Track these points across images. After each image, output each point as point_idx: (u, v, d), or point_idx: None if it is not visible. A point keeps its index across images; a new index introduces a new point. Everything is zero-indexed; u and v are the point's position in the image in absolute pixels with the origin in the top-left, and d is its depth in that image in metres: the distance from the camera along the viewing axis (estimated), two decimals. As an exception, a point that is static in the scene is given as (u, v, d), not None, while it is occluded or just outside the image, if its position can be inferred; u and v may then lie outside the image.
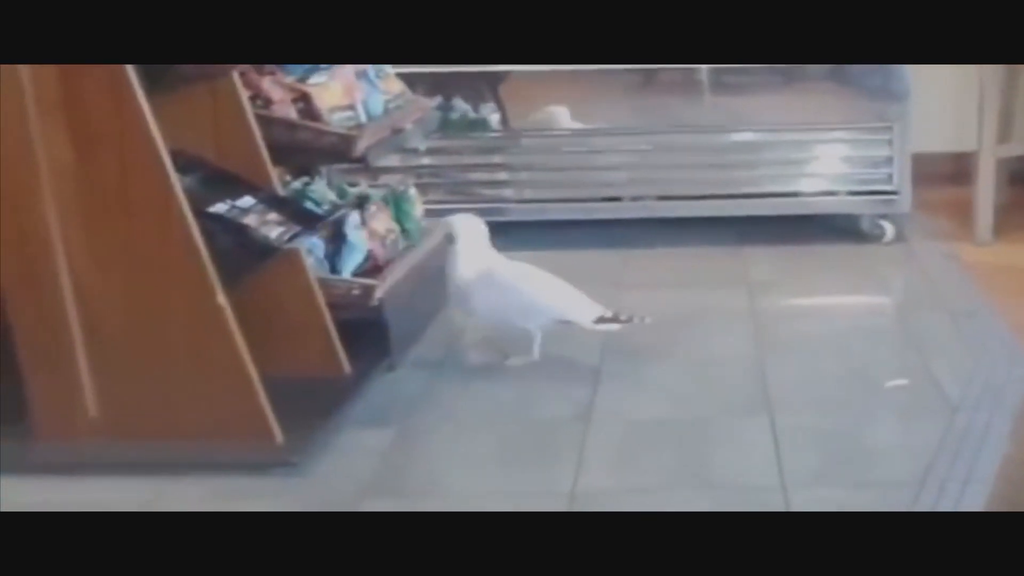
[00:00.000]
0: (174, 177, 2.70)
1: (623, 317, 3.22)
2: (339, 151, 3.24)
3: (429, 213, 3.85)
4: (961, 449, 2.71)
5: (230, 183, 3.02)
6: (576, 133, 4.40)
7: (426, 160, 4.38)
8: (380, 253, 3.33)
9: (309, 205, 3.30)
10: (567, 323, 3.25)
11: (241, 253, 2.92)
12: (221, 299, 2.73)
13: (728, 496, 2.58)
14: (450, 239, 3.33)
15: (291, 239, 3.02)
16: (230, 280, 2.78)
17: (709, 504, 2.54)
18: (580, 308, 3.25)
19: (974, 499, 2.49)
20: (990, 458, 2.67)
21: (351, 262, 3.27)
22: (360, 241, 3.28)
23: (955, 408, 2.90)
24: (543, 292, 3.29)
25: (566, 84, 4.31)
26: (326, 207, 3.34)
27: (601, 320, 3.22)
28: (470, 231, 3.33)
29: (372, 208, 3.40)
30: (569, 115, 4.38)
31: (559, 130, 4.40)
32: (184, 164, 2.84)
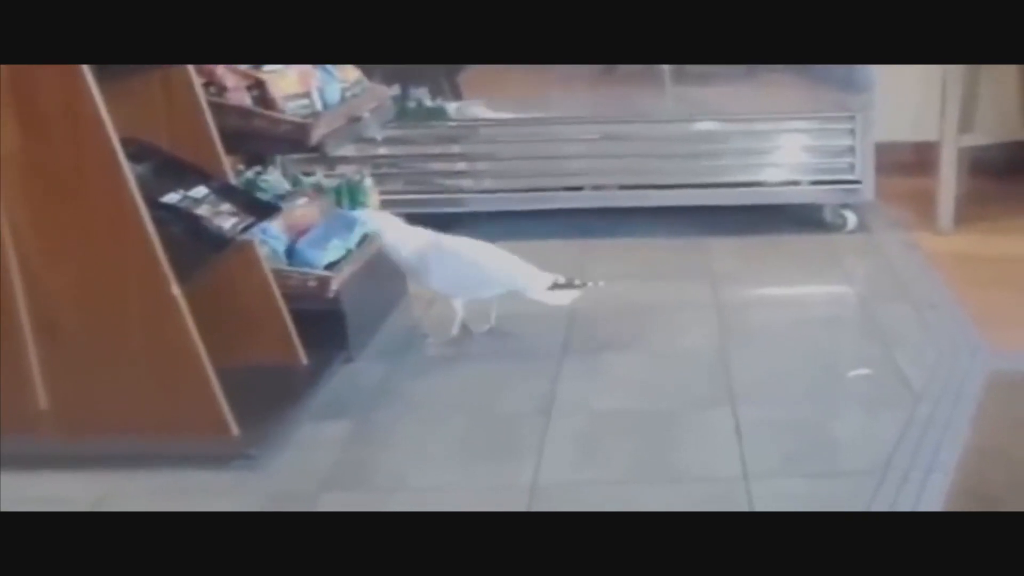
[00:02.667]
0: (126, 166, 2.68)
1: (576, 282, 3.28)
2: (294, 140, 3.23)
3: (387, 204, 3.85)
4: (923, 439, 2.74)
5: (183, 172, 3.00)
6: (536, 122, 4.41)
7: (384, 150, 4.38)
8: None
9: (263, 195, 3.29)
10: (520, 291, 3.32)
11: (194, 244, 2.91)
12: (175, 290, 2.72)
13: (690, 488, 2.60)
14: (377, 237, 3.40)
15: (244, 230, 3.00)
16: (184, 271, 2.77)
17: (671, 496, 2.56)
18: (532, 277, 3.32)
19: (936, 488, 2.52)
20: (952, 447, 2.70)
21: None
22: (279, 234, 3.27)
23: (917, 398, 2.93)
24: (494, 261, 3.38)
25: (525, 72, 4.31)
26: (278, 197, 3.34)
27: (555, 286, 3.28)
28: (387, 221, 3.43)
29: (301, 200, 3.38)
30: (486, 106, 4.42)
31: (519, 118, 4.40)
32: (137, 152, 2.83)
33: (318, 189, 3.54)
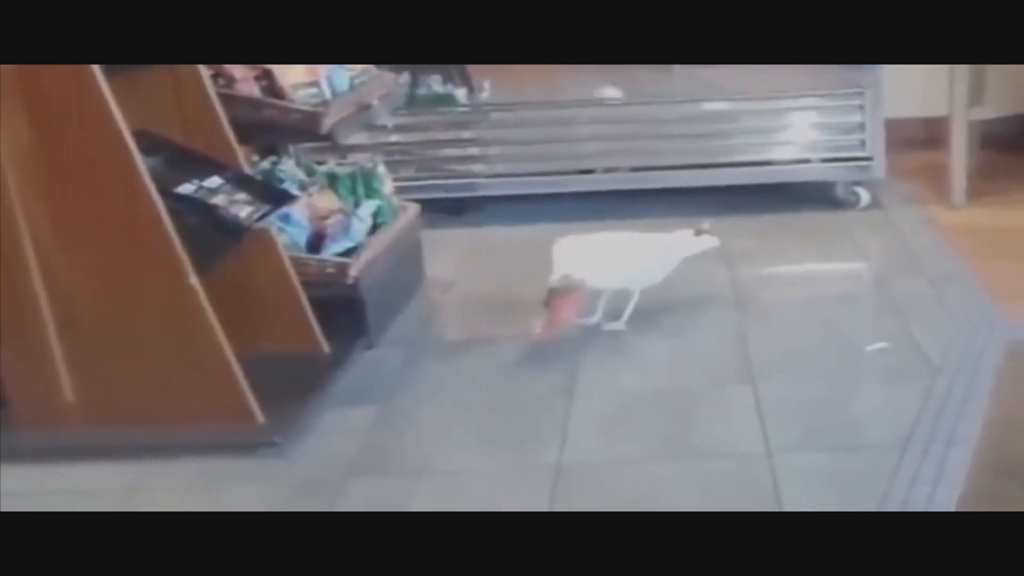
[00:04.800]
0: (138, 158, 2.72)
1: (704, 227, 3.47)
2: (305, 128, 3.26)
3: (400, 190, 3.89)
4: (943, 411, 2.79)
5: (197, 163, 3.03)
6: (547, 105, 4.44)
7: (395, 137, 4.41)
8: (324, 233, 3.35)
9: (285, 185, 3.34)
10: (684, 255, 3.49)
11: (211, 234, 2.94)
12: (193, 280, 2.76)
13: (714, 465, 2.65)
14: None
15: (261, 218, 3.04)
16: (202, 261, 2.81)
17: (696, 474, 2.61)
18: (679, 238, 3.52)
19: (957, 461, 2.57)
20: (972, 419, 2.74)
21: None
22: (304, 220, 3.31)
23: (936, 371, 2.98)
24: (645, 244, 3.52)
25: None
26: (295, 185, 3.38)
27: (698, 233, 3.51)
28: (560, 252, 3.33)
29: (314, 189, 3.43)
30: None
31: (530, 102, 4.44)
32: (149, 145, 2.86)
33: (332, 177, 3.57)
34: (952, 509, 2.39)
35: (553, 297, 3.19)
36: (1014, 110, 4.64)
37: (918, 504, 2.41)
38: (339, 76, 3.40)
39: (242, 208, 3.01)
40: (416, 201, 3.87)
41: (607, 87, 4.49)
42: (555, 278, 3.21)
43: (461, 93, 4.47)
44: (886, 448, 2.62)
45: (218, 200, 2.97)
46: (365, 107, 3.50)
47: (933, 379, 2.93)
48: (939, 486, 2.48)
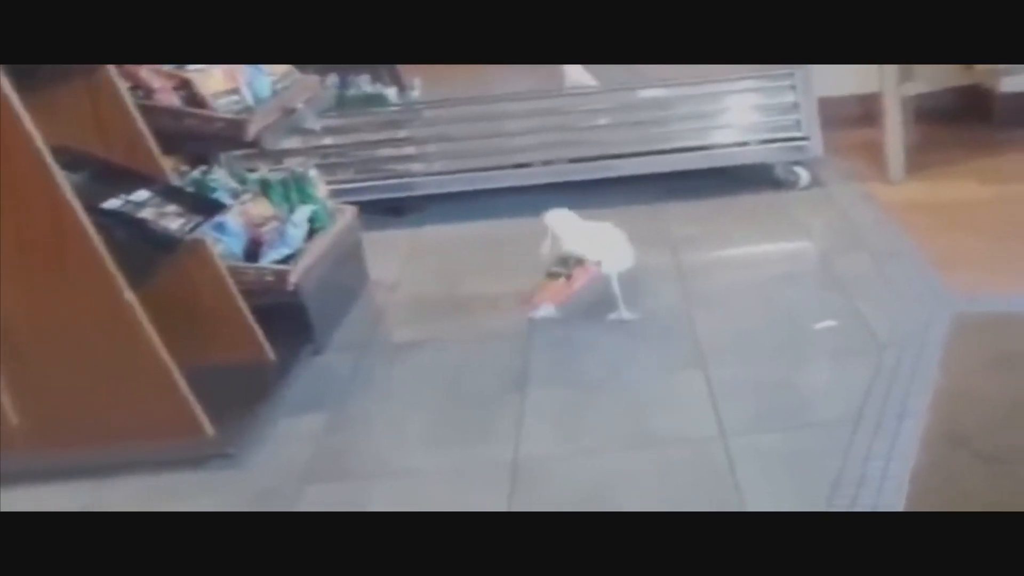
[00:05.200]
0: (60, 175, 2.68)
1: None
2: (230, 136, 3.26)
3: (337, 193, 3.89)
4: (893, 385, 2.83)
5: (122, 177, 3.01)
6: (480, 100, 4.46)
7: (329, 140, 4.41)
8: (261, 241, 3.35)
9: (217, 195, 3.32)
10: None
11: (143, 248, 2.92)
12: (128, 295, 2.75)
13: (670, 451, 2.67)
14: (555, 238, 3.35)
15: (193, 229, 3.02)
16: (137, 276, 2.80)
17: (652, 461, 2.63)
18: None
19: (909, 433, 2.62)
20: (922, 392, 2.79)
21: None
22: (239, 229, 3.31)
23: (884, 345, 3.02)
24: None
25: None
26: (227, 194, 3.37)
27: None
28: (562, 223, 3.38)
29: (247, 197, 3.42)
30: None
31: (462, 98, 4.45)
32: (70, 161, 2.83)
33: (265, 184, 3.57)
34: (906, 482, 2.43)
35: (575, 267, 3.23)
36: (945, 83, 4.72)
37: (873, 479, 2.45)
38: (260, 82, 3.39)
39: (173, 220, 2.99)
40: (356, 203, 3.87)
41: (575, 73, 4.51)
42: (569, 250, 3.25)
43: (391, 92, 4.48)
44: (838, 425, 2.66)
45: (146, 214, 2.95)
46: (290, 111, 3.50)
47: (881, 354, 2.98)
48: (892, 460, 2.52)
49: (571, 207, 4.28)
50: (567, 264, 3.26)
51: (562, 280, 3.25)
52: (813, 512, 2.33)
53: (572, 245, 3.28)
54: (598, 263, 3.29)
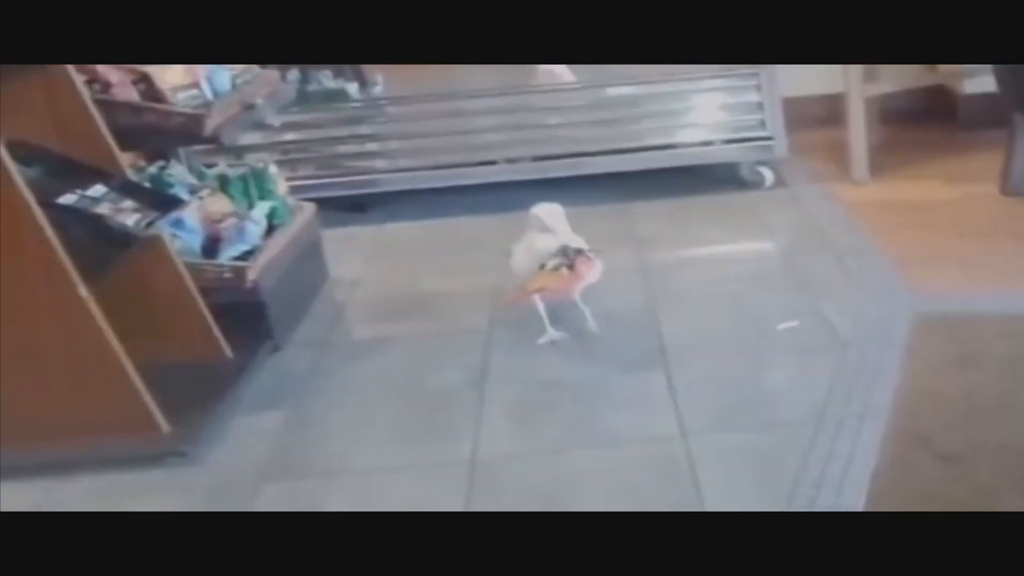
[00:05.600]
0: (14, 168, 2.66)
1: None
2: (188, 131, 3.25)
3: (299, 189, 3.89)
4: (855, 385, 2.85)
5: (78, 172, 2.99)
6: (445, 96, 4.46)
7: (291, 136, 4.40)
8: (219, 237, 3.34)
9: (175, 190, 3.31)
10: None
11: (99, 243, 2.90)
12: (83, 292, 2.73)
13: (630, 450, 2.69)
14: (543, 228, 3.31)
15: (149, 225, 3.01)
16: (92, 272, 2.78)
17: (612, 460, 2.64)
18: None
19: (871, 432, 2.64)
20: (883, 391, 2.81)
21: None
22: (197, 225, 3.30)
23: (846, 345, 3.05)
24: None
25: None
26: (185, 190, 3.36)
27: None
28: (555, 216, 3.32)
29: (206, 193, 3.41)
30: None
31: (426, 94, 4.45)
32: (26, 155, 2.82)
33: (223, 180, 3.56)
34: (866, 482, 2.45)
35: (579, 256, 3.18)
36: (909, 84, 4.77)
37: (834, 478, 2.47)
38: (220, 76, 3.38)
39: (129, 216, 2.97)
40: (317, 200, 3.87)
41: (552, 67, 4.51)
42: (566, 242, 3.20)
43: (353, 88, 4.47)
44: (800, 424, 2.68)
45: (103, 209, 2.93)
46: (249, 106, 3.48)
47: (843, 353, 3.00)
48: (853, 460, 2.54)
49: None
50: (567, 255, 3.21)
51: (564, 271, 3.20)
52: (772, 512, 2.35)
53: (569, 237, 3.25)
54: (598, 252, 3.25)
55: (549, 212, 3.32)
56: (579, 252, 3.19)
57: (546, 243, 3.25)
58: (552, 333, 3.26)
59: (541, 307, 3.28)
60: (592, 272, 3.22)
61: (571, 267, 3.19)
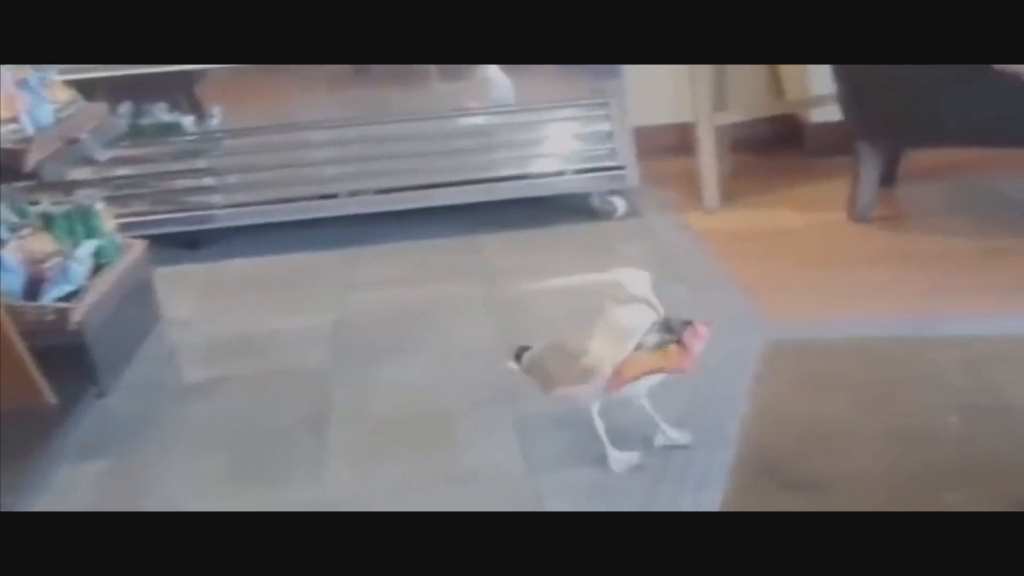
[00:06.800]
0: None
1: None
2: (8, 167, 3.15)
3: (131, 226, 3.81)
4: (706, 414, 2.89)
5: None
6: (282, 128, 4.41)
7: (123, 171, 4.32)
8: (42, 278, 3.26)
9: (-7, 228, 3.22)
10: None
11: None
12: None
13: (477, 488, 2.68)
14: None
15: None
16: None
17: (458, 498, 2.63)
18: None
19: (720, 463, 2.69)
20: (734, 420, 2.86)
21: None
22: (17, 264, 3.22)
23: (697, 374, 3.07)
24: None
25: (269, 77, 4.32)
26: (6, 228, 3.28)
27: None
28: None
29: (27, 232, 3.33)
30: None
31: (264, 126, 4.40)
32: None
33: (47, 218, 3.47)
34: (716, 510, 2.48)
35: (688, 328, 2.78)
36: (758, 113, 4.90)
37: (684, 509, 2.49)
38: (41, 110, 3.29)
39: (-58, 256, 2.89)
40: (151, 236, 3.79)
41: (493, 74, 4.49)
42: (668, 316, 2.81)
43: (188, 121, 4.40)
44: (650, 454, 2.70)
45: (-86, 249, 2.85)
46: (73, 141, 3.40)
47: (695, 383, 3.03)
48: (703, 491, 2.57)
49: (383, 239, 4.32)
50: (672, 329, 2.79)
51: (674, 347, 2.77)
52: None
53: (658, 305, 2.81)
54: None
55: (636, 280, 2.87)
56: (687, 324, 2.81)
57: (638, 317, 2.83)
58: (629, 456, 2.77)
59: (600, 427, 2.78)
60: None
61: (679, 342, 2.78)
